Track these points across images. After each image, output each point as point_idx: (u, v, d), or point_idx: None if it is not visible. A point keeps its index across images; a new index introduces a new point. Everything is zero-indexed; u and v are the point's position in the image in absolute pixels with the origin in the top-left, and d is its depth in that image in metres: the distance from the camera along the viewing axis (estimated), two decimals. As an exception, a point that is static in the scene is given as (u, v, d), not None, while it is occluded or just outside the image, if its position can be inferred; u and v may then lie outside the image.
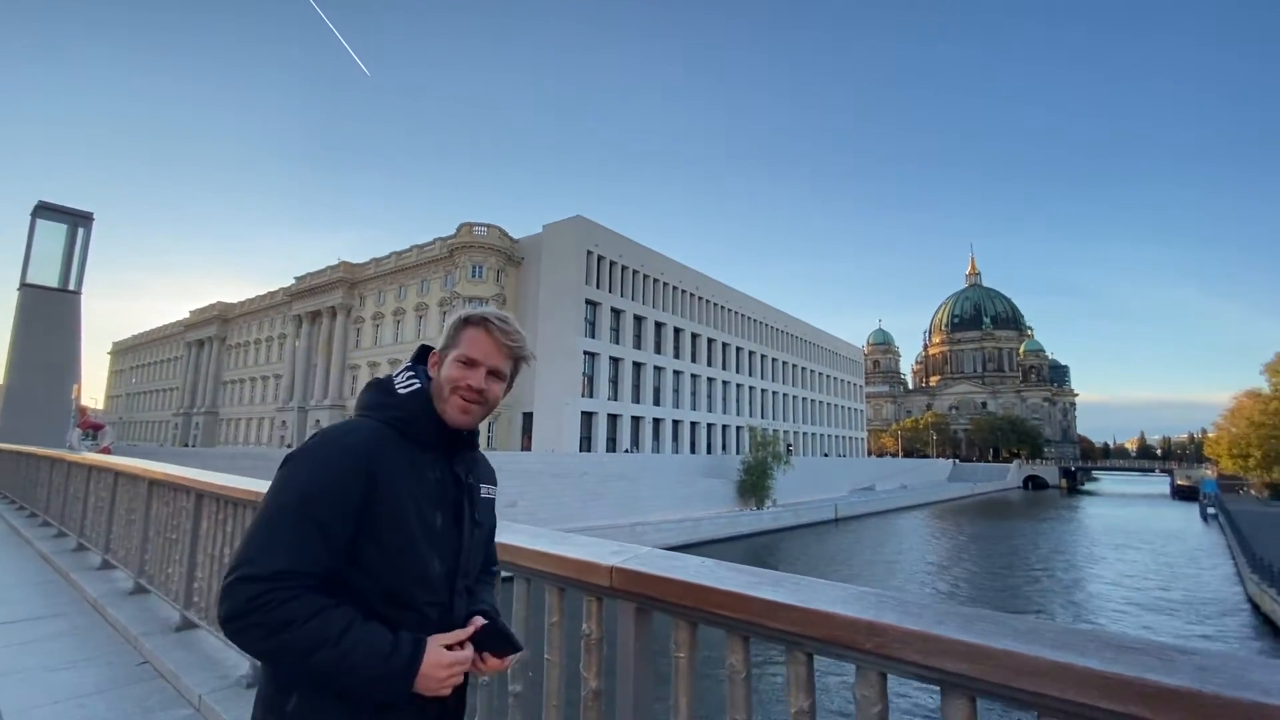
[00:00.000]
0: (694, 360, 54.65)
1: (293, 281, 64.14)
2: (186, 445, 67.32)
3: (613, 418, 45.91)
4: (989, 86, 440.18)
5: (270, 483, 1.28)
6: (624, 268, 48.07)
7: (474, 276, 45.85)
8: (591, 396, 44.22)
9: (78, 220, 16.85)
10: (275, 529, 1.17)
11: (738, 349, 60.73)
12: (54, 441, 11.77)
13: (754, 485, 45.54)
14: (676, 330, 53.09)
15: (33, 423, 13.85)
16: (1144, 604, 26.59)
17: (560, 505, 29.71)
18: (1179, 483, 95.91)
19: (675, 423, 51.90)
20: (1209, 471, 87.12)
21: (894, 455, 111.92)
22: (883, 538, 45.62)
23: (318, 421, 55.61)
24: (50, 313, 15.94)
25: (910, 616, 1.14)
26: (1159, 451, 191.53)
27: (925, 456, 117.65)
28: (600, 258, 45.75)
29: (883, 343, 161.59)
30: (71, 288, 16.53)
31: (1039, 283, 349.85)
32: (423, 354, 1.48)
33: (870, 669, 1.18)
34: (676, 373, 52.54)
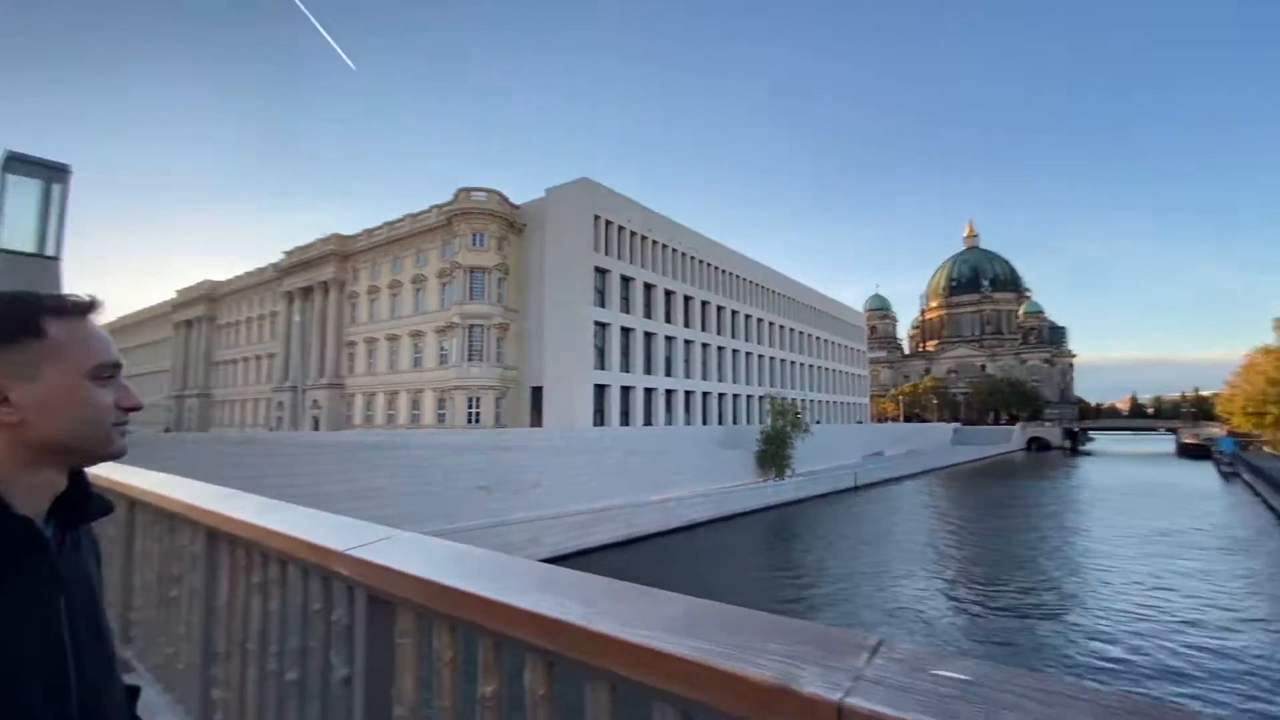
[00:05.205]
0: (704, 329, 52.76)
1: (282, 256, 61.34)
2: (167, 430, 64.65)
3: (625, 390, 44.17)
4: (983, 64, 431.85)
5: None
6: (631, 233, 45.77)
7: (475, 245, 43.41)
8: (603, 369, 42.38)
9: (53, 174, 14.48)
10: None
11: (746, 316, 58.84)
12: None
13: (773, 455, 44.21)
14: (686, 298, 51.04)
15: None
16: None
17: (584, 484, 28.10)
18: (1185, 440, 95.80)
19: (687, 394, 50.24)
20: (1220, 430, 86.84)
21: (895, 420, 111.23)
22: (912, 505, 44.23)
23: (315, 401, 53.61)
24: (29, 283, 13.69)
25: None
26: (1150, 410, 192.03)
27: (925, 421, 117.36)
28: (608, 223, 43.42)
29: (880, 308, 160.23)
30: (50, 253, 14.35)
31: (1038, 244, 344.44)
32: None
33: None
34: (687, 342, 50.68)
